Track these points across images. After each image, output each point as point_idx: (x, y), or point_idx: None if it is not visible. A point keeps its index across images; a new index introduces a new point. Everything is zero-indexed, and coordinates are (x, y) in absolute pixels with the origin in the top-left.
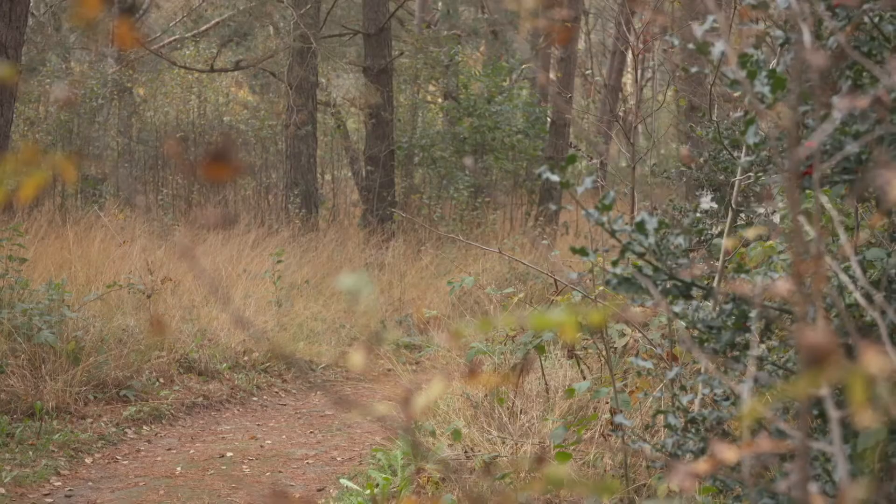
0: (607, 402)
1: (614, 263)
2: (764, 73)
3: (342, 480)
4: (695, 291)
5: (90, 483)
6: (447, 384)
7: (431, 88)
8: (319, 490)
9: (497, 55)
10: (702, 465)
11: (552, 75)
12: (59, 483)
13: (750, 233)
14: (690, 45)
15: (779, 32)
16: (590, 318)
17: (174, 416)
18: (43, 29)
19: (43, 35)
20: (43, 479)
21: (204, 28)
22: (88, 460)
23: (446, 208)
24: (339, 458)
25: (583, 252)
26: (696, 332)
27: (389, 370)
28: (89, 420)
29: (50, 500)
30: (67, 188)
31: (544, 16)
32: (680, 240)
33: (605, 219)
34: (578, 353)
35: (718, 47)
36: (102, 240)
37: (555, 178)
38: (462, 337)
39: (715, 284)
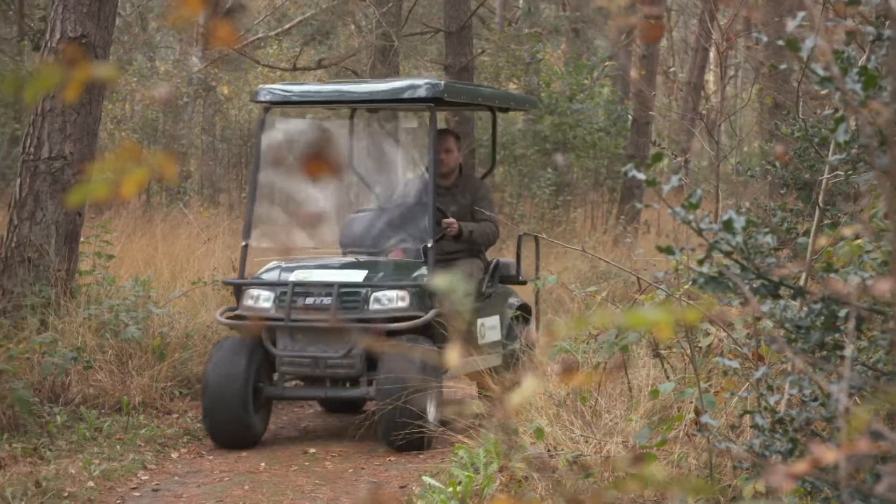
0: (692, 402)
1: (701, 262)
2: (855, 70)
3: (425, 478)
4: (782, 290)
5: (176, 477)
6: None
7: (512, 86)
8: (402, 487)
9: (578, 53)
10: (800, 466)
11: (634, 73)
12: (147, 477)
13: (847, 231)
14: (780, 42)
15: (870, 29)
16: (685, 316)
17: None
18: (129, 28)
19: (130, 34)
20: (130, 472)
21: (287, 27)
22: (175, 455)
23: (527, 206)
24: (420, 456)
25: (669, 251)
26: (783, 332)
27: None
28: (175, 415)
29: (137, 494)
30: (153, 186)
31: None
32: (768, 238)
33: (691, 217)
34: (662, 352)
35: (808, 44)
36: (187, 237)
37: (640, 175)
38: (557, 334)
39: (802, 283)
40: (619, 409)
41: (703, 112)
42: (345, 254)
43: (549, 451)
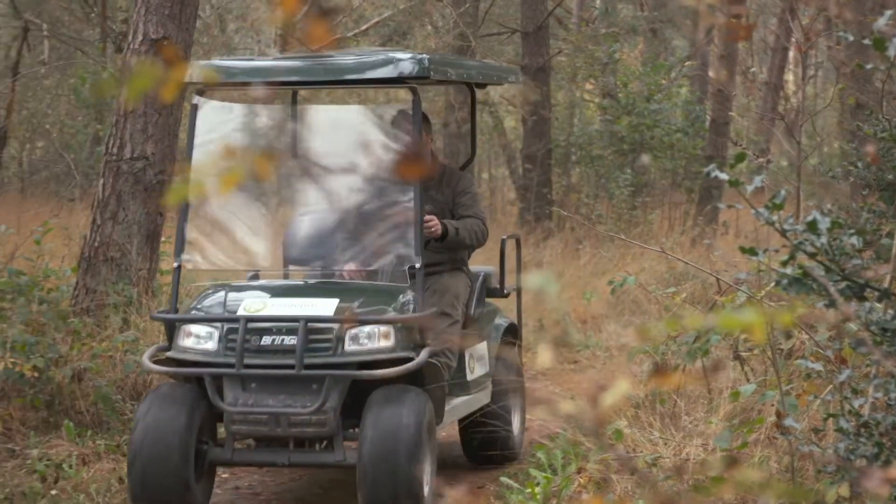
0: (773, 405)
1: (784, 264)
2: None
3: (503, 479)
4: (868, 292)
5: (256, 476)
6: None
7: (588, 87)
8: (479, 488)
9: (656, 53)
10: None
11: (713, 73)
12: (227, 475)
13: None
14: (865, 41)
15: None
16: (779, 319)
17: None
18: (208, 30)
19: (209, 36)
20: None
21: (364, 27)
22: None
23: (604, 207)
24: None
25: (752, 252)
26: (868, 335)
27: (548, 369)
28: None
29: (219, 491)
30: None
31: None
32: (854, 239)
33: (775, 218)
34: (743, 354)
35: None
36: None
37: (723, 176)
38: (648, 335)
39: (888, 286)
40: (699, 411)
41: (783, 112)
42: (286, 274)
43: (627, 452)
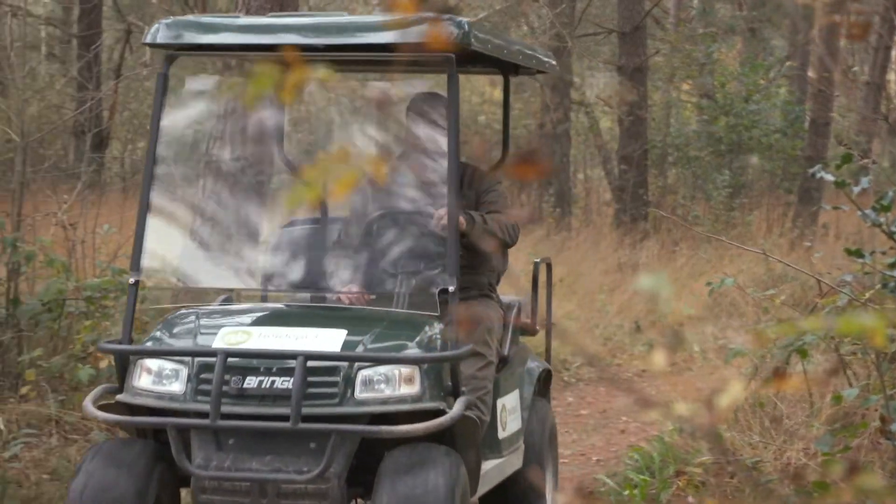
0: (877, 410)
1: (892, 266)
2: None
3: (600, 477)
4: None
5: None
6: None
7: (686, 87)
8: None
9: (754, 53)
10: None
11: (812, 73)
12: None
13: None
14: None
15: None
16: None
17: None
18: None
19: None
20: None
21: None
22: None
23: (702, 208)
24: (594, 458)
25: (858, 254)
26: None
27: (644, 371)
28: None
29: None
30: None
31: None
32: None
33: (882, 220)
34: (845, 357)
35: None
36: None
37: (829, 177)
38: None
39: None
40: (800, 414)
41: (886, 112)
42: (265, 296)
43: (714, 455)
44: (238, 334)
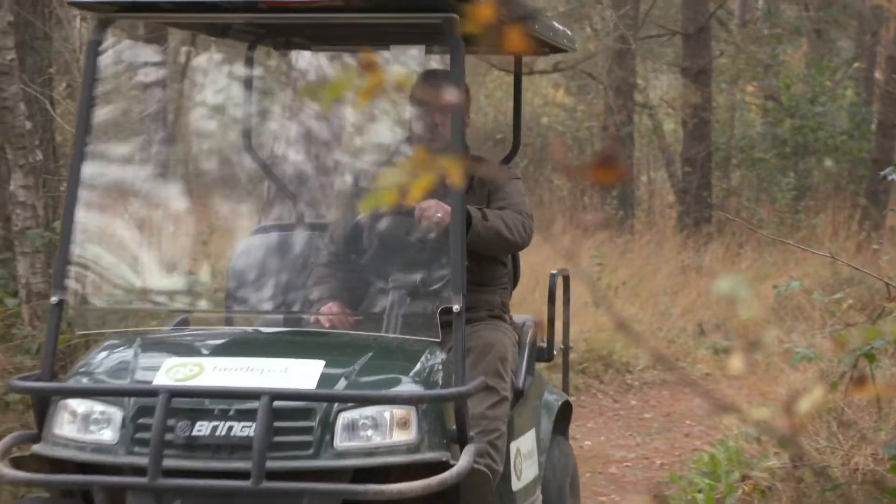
0: None
1: None
2: None
3: (661, 482)
4: None
5: None
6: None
7: (750, 89)
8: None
9: (820, 54)
10: None
11: (879, 75)
12: None
13: None
14: None
15: None
16: None
17: None
18: None
19: None
20: None
21: None
22: None
23: (766, 211)
24: (658, 462)
25: None
26: None
27: (707, 374)
28: None
29: None
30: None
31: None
32: None
33: None
34: None
35: None
36: None
37: None
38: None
39: None
40: (868, 419)
41: None
42: (229, 319)
43: (793, 461)
44: (187, 367)
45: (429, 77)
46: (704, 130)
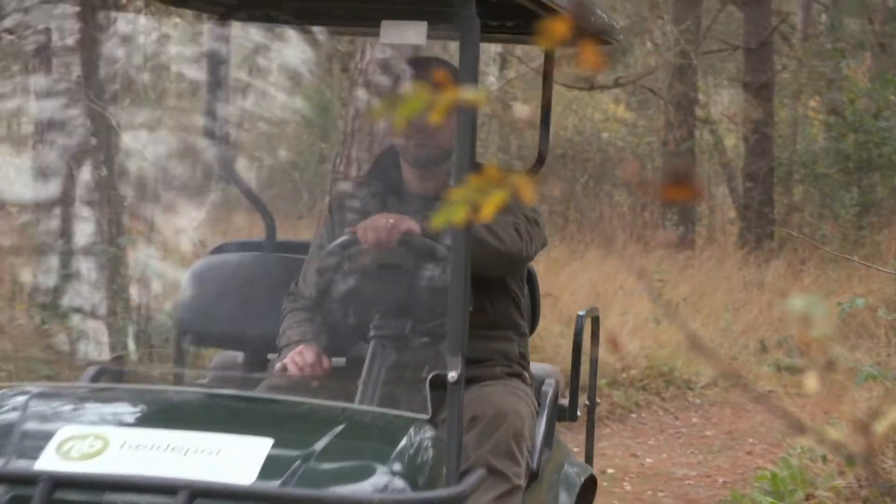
0: None
1: None
2: None
3: (724, 500)
4: None
5: None
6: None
7: (813, 104)
8: None
9: (885, 68)
10: None
11: None
12: None
13: None
14: None
15: None
16: None
17: None
18: (430, 48)
19: (431, 54)
20: None
21: None
22: None
23: (829, 227)
24: (720, 480)
25: None
26: None
27: (770, 391)
28: None
29: None
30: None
31: None
32: None
33: None
34: None
35: None
36: None
37: None
38: None
39: None
40: None
41: None
42: (179, 376)
43: (858, 481)
44: (87, 441)
45: (422, 65)
46: (766, 146)
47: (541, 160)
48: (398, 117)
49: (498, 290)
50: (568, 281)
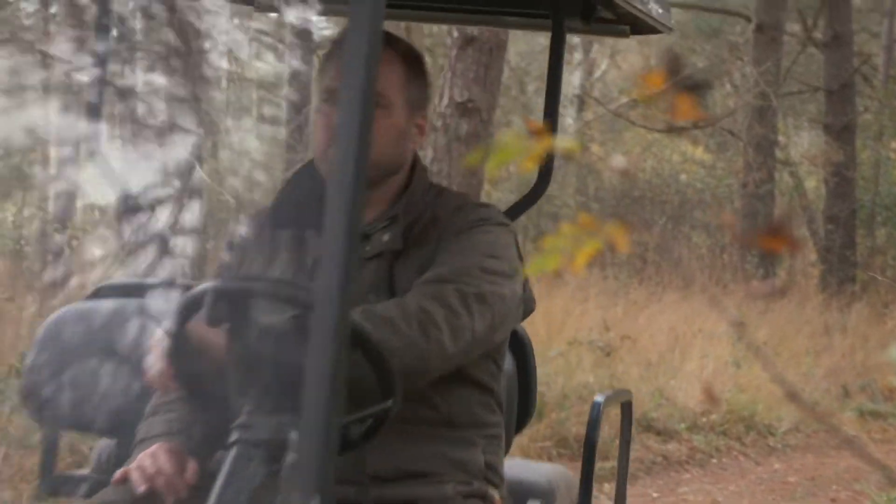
0: None
1: None
2: None
3: None
4: None
5: None
6: None
7: (894, 145)
8: None
9: None
10: None
11: None
12: None
13: None
14: None
15: None
16: None
17: (633, 475)
18: (507, 91)
19: (507, 97)
20: None
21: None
22: None
23: None
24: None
25: None
26: None
27: (854, 436)
28: None
29: None
30: (526, 244)
31: None
32: None
33: None
34: None
35: None
36: (562, 297)
37: None
38: None
39: None
40: None
41: None
42: None
43: None
44: None
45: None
46: (848, 188)
47: (541, 185)
48: (491, 165)
49: (453, 374)
50: (647, 324)
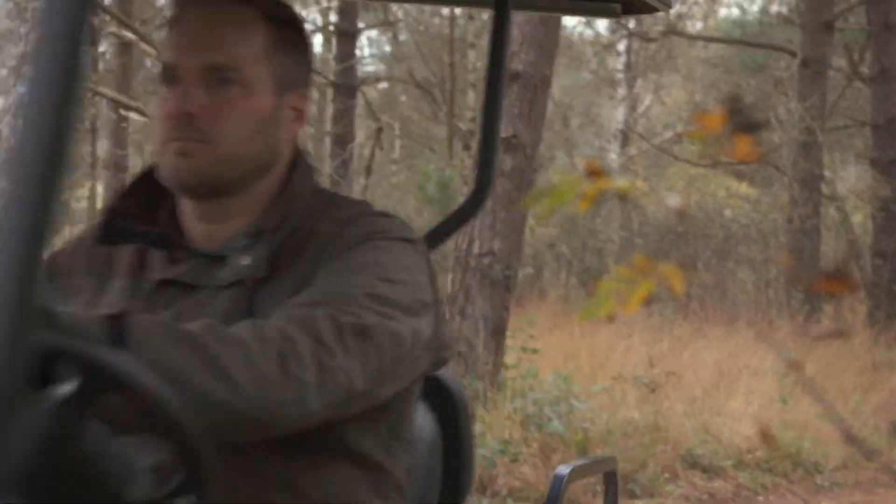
0: None
1: None
2: None
3: None
4: None
5: None
6: None
7: None
8: None
9: None
10: None
11: None
12: None
13: None
14: None
15: None
16: None
17: None
18: (551, 126)
19: (551, 132)
20: None
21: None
22: None
23: None
24: None
25: None
26: None
27: None
28: None
29: None
30: (570, 279)
31: None
32: None
33: None
34: None
35: None
36: (607, 332)
37: None
38: None
39: None
40: None
41: None
42: None
43: None
44: None
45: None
46: (895, 223)
47: (480, 193)
48: (545, 207)
49: (326, 445)
50: (691, 359)
